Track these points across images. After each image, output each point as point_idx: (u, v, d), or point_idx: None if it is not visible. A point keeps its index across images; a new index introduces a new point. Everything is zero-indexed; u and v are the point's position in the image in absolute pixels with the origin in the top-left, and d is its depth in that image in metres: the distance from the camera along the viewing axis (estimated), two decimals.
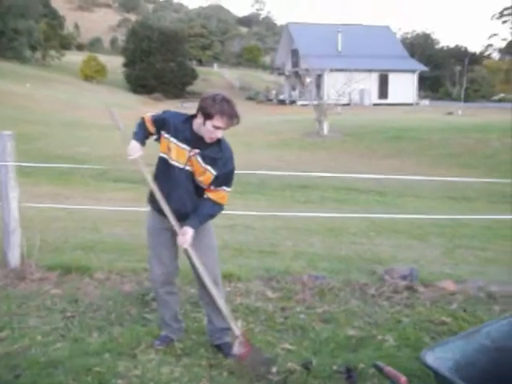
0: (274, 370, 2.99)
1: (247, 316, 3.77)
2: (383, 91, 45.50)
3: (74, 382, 2.83)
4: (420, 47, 66.97)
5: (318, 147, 21.11)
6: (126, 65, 54.61)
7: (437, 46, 72.73)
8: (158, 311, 3.50)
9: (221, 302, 3.10)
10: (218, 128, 2.89)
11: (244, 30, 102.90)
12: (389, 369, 2.29)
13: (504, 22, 54.72)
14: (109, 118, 3.25)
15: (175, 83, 53.42)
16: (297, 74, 40.77)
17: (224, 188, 3.05)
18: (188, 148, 2.98)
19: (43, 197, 9.02)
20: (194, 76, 56.32)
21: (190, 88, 55.31)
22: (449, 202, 11.33)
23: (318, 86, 35.09)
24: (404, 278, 4.46)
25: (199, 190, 3.06)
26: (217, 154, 2.99)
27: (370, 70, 43.15)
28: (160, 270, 3.21)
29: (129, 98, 47.74)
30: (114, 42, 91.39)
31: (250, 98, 50.41)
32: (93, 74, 52.75)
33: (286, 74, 50.25)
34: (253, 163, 14.88)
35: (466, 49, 68.27)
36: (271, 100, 50.19)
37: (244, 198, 10.14)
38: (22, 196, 4.62)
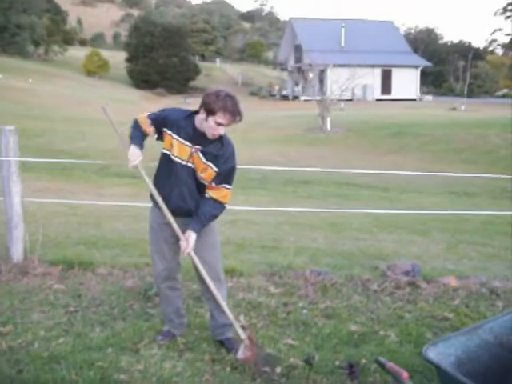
0: (278, 370, 2.98)
1: (249, 311, 3.77)
2: (386, 87, 45.38)
3: (77, 377, 2.84)
4: (423, 42, 66.87)
5: (321, 143, 21.10)
6: (128, 60, 54.63)
7: (440, 42, 72.58)
8: (160, 306, 3.51)
9: (223, 304, 3.09)
10: (220, 124, 2.87)
11: (247, 25, 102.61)
12: (391, 364, 2.29)
13: (507, 17, 54.35)
14: (107, 118, 3.23)
15: (178, 78, 53.44)
16: (300, 70, 40.62)
17: (225, 186, 3.04)
18: (190, 144, 2.97)
19: (45, 191, 9.05)
20: (196, 71, 56.33)
21: (192, 83, 55.32)
22: (451, 198, 11.32)
23: (321, 81, 34.96)
24: (406, 273, 4.45)
25: (201, 187, 3.05)
26: (218, 150, 2.98)
27: (373, 66, 42.97)
28: (162, 265, 3.20)
29: (131, 93, 47.77)
30: (116, 37, 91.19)
31: (252, 94, 50.36)
32: (95, 69, 52.80)
33: (289, 69, 50.08)
34: (255, 158, 14.91)
35: (469, 44, 68.03)
36: (274, 95, 50.15)
37: (246, 193, 10.14)
38: (24, 191, 4.63)
